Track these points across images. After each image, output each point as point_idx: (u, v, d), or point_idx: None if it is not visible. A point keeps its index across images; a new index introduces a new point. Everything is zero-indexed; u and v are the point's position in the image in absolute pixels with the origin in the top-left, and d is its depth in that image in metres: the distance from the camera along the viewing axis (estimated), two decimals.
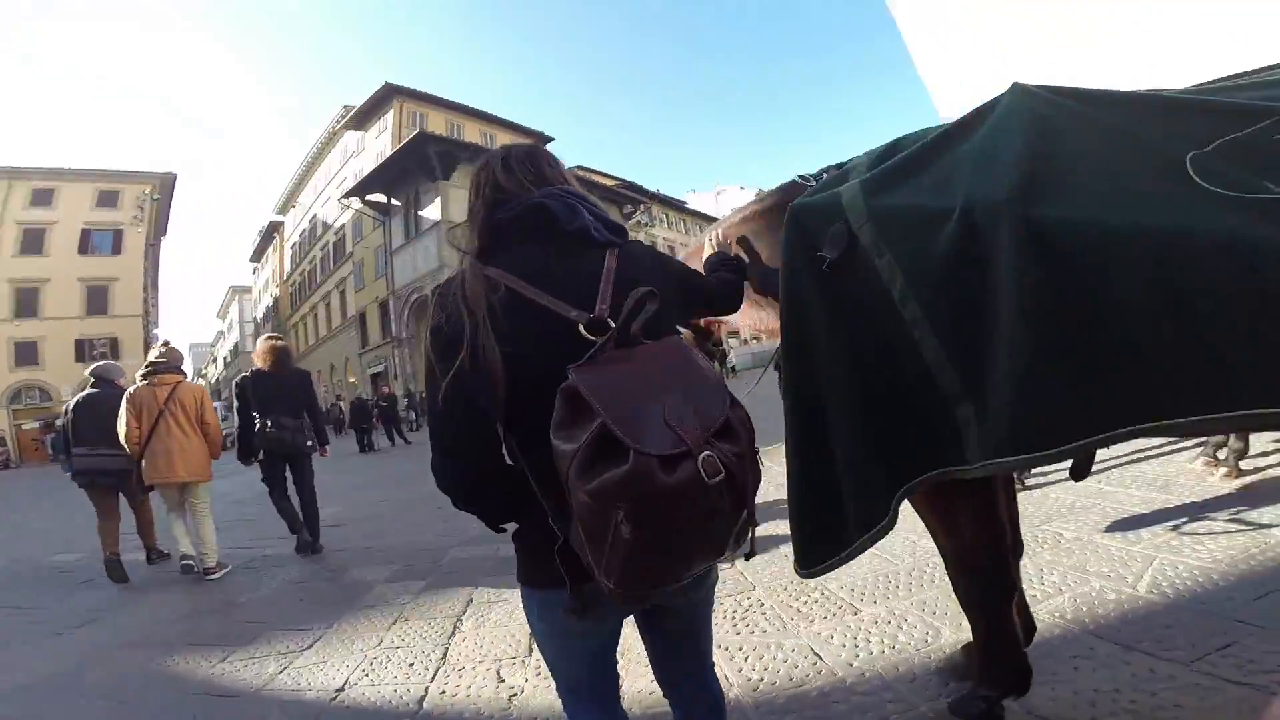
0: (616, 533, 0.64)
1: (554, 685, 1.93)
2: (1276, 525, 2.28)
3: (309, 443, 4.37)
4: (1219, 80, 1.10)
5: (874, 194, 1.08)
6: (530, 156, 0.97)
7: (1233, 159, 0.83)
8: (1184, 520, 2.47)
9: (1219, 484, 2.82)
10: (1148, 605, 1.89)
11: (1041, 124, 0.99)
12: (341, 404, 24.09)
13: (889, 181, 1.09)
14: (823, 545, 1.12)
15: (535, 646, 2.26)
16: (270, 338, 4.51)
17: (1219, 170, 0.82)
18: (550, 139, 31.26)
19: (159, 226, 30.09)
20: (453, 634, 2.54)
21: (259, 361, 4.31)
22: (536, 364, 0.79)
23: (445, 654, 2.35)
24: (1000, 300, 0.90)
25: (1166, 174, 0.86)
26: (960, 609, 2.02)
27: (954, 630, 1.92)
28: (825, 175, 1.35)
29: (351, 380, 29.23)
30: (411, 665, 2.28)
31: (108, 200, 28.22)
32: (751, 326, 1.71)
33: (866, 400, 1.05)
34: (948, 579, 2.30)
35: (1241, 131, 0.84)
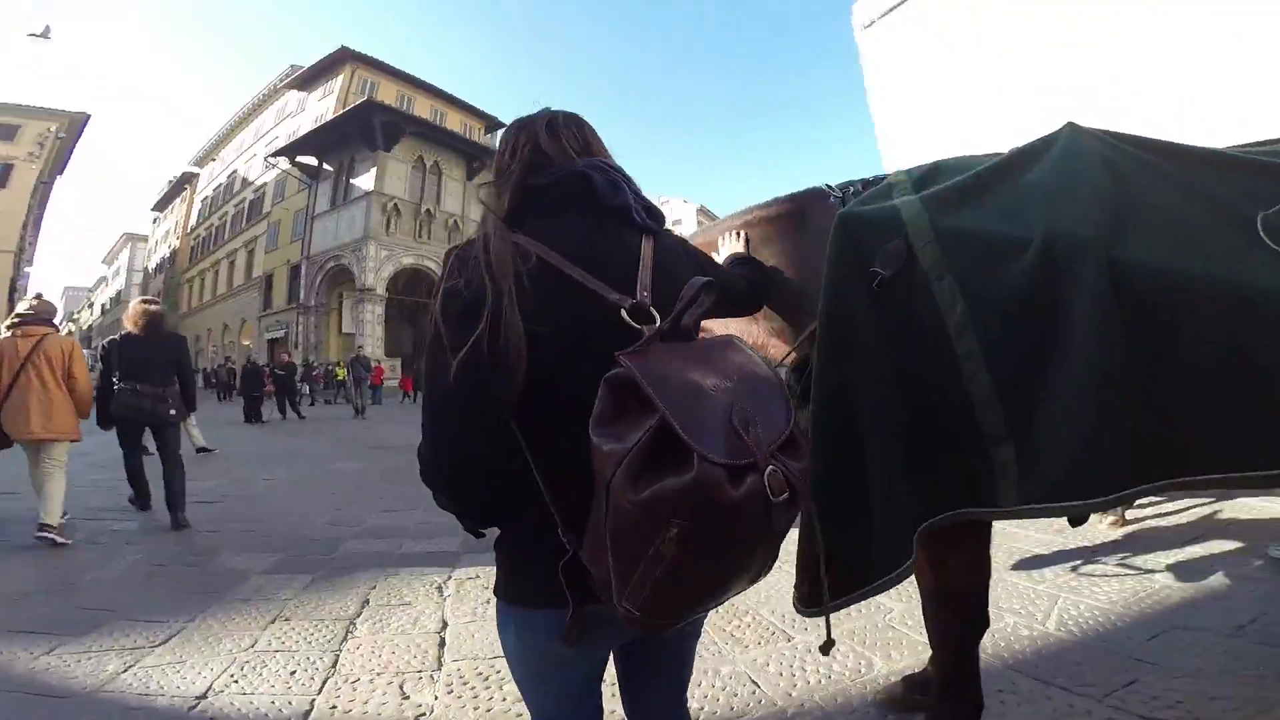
0: (659, 551, 0.54)
1: (470, 706, 1.79)
2: (1158, 571, 2.51)
3: (172, 411, 4.05)
4: (1269, 142, 1.12)
5: (939, 213, 1.02)
6: (578, 123, 0.89)
7: None
8: (1080, 562, 2.67)
9: (1106, 530, 3.08)
10: (1058, 642, 1.99)
11: (1109, 165, 0.98)
12: (232, 365, 22.04)
13: (953, 202, 1.03)
14: (844, 563, 1.00)
15: (445, 661, 2.04)
16: (145, 300, 4.32)
17: None
18: (502, 124, 31.46)
19: (56, 165, 26.97)
20: (345, 639, 2.25)
21: (129, 324, 4.05)
22: (564, 348, 0.70)
23: (335, 662, 2.06)
24: (1073, 341, 0.87)
25: (1236, 229, 0.87)
26: (889, 639, 2.06)
27: (885, 661, 1.91)
28: (854, 189, 1.27)
29: (246, 343, 27.52)
30: (294, 673, 1.98)
31: (4, 134, 25.37)
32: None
33: (903, 424, 0.98)
34: (874, 609, 2.37)
35: None
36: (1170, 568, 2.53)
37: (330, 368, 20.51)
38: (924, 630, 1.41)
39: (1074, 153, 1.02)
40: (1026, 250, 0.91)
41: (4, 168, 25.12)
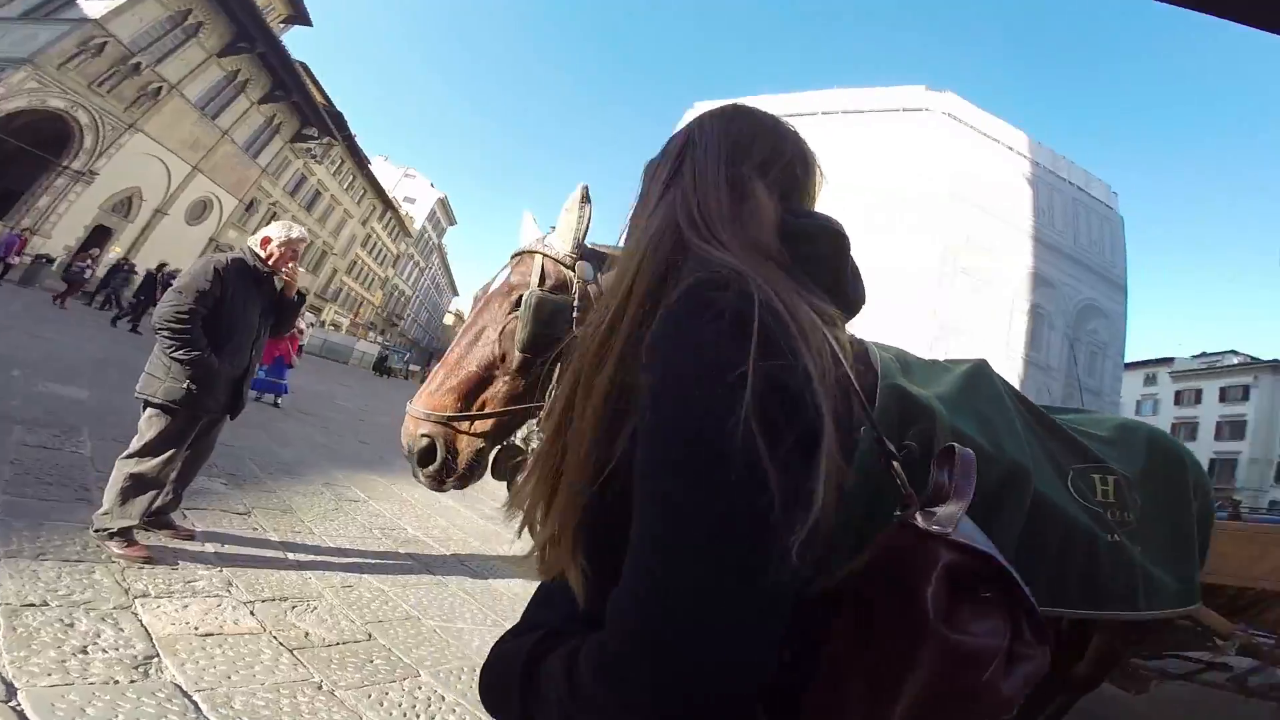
0: None
1: None
2: None
3: None
4: (1071, 410, 1.94)
5: (950, 414, 1.27)
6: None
7: (1082, 480, 1.49)
8: None
9: None
10: None
11: (1018, 414, 1.47)
12: None
13: (953, 407, 1.32)
14: None
15: None
16: None
17: (1079, 486, 1.47)
18: (309, 24, 25.71)
19: None
20: None
21: None
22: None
23: None
24: (995, 532, 1.18)
25: (1061, 479, 1.46)
26: None
27: None
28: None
29: None
30: None
31: None
32: None
33: None
34: None
35: (1083, 464, 1.53)
36: None
37: None
38: None
39: (998, 392, 1.49)
40: (994, 465, 1.28)
41: None
